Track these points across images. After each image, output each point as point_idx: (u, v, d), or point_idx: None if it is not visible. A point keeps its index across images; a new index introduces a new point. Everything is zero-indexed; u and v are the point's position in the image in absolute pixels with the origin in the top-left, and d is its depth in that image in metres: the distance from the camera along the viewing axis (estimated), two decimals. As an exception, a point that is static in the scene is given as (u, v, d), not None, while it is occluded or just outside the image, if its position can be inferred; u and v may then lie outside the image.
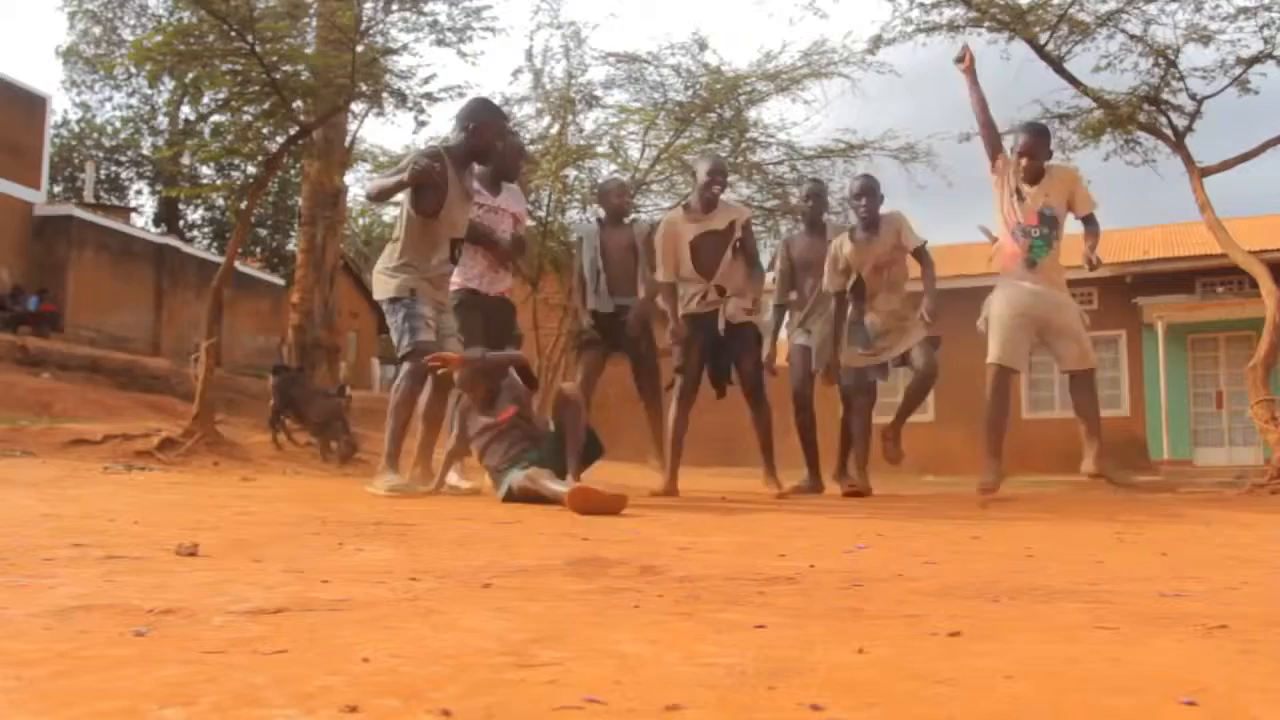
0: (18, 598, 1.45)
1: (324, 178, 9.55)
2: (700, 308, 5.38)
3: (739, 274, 5.38)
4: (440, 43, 7.70)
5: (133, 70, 20.72)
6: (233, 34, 7.01)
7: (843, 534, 3.08)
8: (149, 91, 20.55)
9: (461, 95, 7.96)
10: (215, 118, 17.29)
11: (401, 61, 7.96)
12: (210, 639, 1.19)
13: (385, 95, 8.09)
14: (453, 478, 4.54)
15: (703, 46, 12.34)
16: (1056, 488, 7.98)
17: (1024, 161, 5.05)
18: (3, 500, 3.24)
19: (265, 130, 8.43)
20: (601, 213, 5.81)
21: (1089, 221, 5.16)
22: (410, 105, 8.09)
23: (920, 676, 1.07)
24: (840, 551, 2.49)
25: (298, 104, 7.75)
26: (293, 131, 7.61)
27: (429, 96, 7.96)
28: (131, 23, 20.81)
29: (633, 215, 6.02)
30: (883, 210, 5.60)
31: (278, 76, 7.30)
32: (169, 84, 19.97)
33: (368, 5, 7.68)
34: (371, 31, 7.61)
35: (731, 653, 1.16)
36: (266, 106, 7.89)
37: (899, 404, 5.69)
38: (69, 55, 20.72)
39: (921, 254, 5.49)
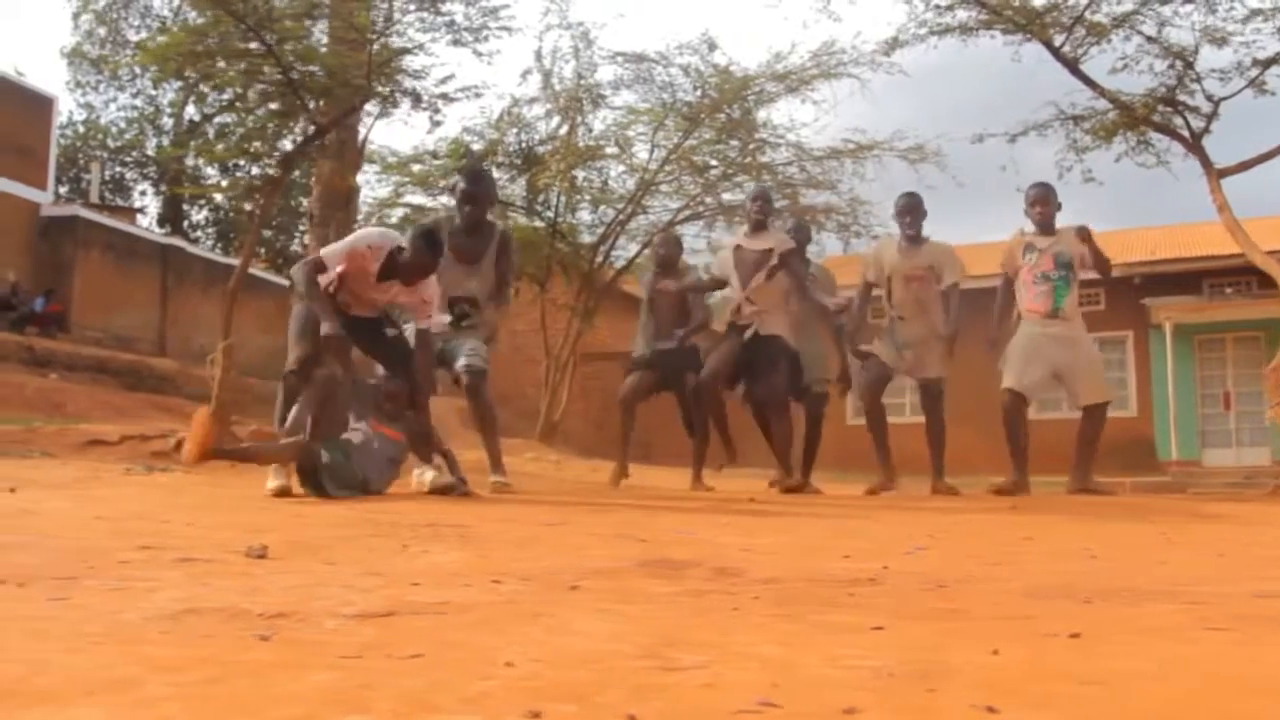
0: (122, 601, 1.43)
1: (336, 178, 9.53)
2: (736, 317, 5.63)
3: (773, 293, 5.58)
4: (457, 42, 7.68)
5: (137, 71, 20.73)
6: (249, 33, 6.98)
7: (892, 535, 3.07)
8: (154, 92, 20.53)
9: (478, 95, 7.94)
10: (220, 118, 17.24)
11: (416, 61, 7.94)
12: (338, 643, 1.17)
13: (400, 95, 8.06)
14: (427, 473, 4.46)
15: (712, 47, 12.34)
16: (1062, 488, 7.93)
17: (1037, 209, 5.51)
18: (44, 502, 3.21)
19: (280, 130, 8.41)
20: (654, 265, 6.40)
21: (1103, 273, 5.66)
22: (425, 105, 8.07)
23: (1069, 678, 1.06)
24: (901, 553, 2.48)
25: (312, 104, 7.73)
26: (310, 132, 7.58)
27: (445, 97, 7.94)
28: (136, 23, 20.82)
29: (677, 261, 6.39)
30: (933, 237, 5.85)
31: (294, 76, 7.28)
32: (174, 84, 19.94)
33: (383, 4, 7.66)
34: (388, 31, 7.59)
35: (870, 655, 1.15)
36: (279, 106, 7.87)
37: (929, 453, 5.86)
38: (74, 56, 20.70)
39: (950, 291, 5.71)
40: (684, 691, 0.96)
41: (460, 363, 4.67)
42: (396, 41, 7.66)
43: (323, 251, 4.24)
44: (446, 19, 7.52)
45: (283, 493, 3.95)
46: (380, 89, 7.76)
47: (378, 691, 0.92)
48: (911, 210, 5.77)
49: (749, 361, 5.57)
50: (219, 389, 7.60)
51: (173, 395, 13.25)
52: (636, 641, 1.21)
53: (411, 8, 7.39)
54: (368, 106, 8.41)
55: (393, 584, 1.70)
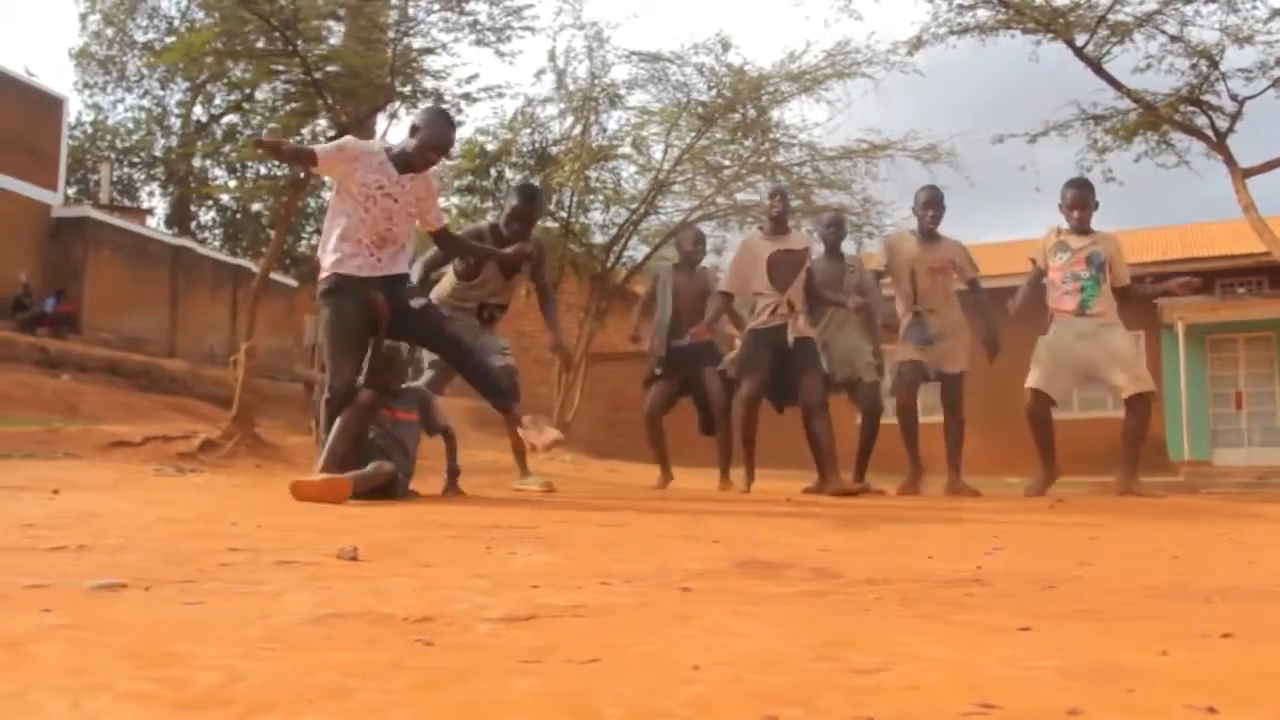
0: (257, 605, 1.42)
1: (354, 178, 9.50)
2: (770, 320, 5.56)
3: (805, 294, 5.63)
4: (480, 42, 7.68)
5: (145, 72, 20.71)
6: (274, 33, 6.98)
7: (958, 536, 3.07)
8: (161, 93, 20.50)
9: (499, 95, 7.92)
10: (228, 118, 17.16)
11: (437, 61, 7.95)
12: (505, 648, 1.16)
13: (422, 96, 8.06)
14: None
15: (726, 46, 12.32)
16: (1080, 489, 7.93)
17: (1075, 214, 5.49)
18: (106, 505, 3.20)
19: (297, 130, 8.40)
20: (677, 257, 6.39)
21: (1124, 296, 5.57)
22: (448, 105, 8.06)
23: (1260, 677, 1.05)
24: (981, 554, 2.47)
25: (334, 104, 7.72)
26: (332, 133, 7.58)
27: (467, 97, 7.94)
28: (143, 24, 20.80)
29: (702, 261, 6.44)
30: (946, 233, 5.91)
31: (317, 76, 7.27)
32: (181, 85, 19.88)
33: (406, 4, 7.65)
34: (411, 31, 7.59)
35: (1043, 655, 1.14)
36: (300, 106, 7.86)
37: (946, 450, 5.86)
38: (81, 57, 20.64)
39: (976, 286, 5.86)
40: (894, 694, 0.95)
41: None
42: (419, 42, 7.66)
43: (317, 148, 4.25)
44: (470, 19, 7.53)
45: None
46: (402, 89, 7.77)
47: (598, 698, 0.91)
48: (934, 204, 5.83)
49: (785, 365, 5.55)
50: (241, 389, 7.60)
51: (184, 396, 13.24)
52: (800, 643, 1.20)
53: (436, 7, 7.40)
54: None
55: (507, 586, 1.69)
